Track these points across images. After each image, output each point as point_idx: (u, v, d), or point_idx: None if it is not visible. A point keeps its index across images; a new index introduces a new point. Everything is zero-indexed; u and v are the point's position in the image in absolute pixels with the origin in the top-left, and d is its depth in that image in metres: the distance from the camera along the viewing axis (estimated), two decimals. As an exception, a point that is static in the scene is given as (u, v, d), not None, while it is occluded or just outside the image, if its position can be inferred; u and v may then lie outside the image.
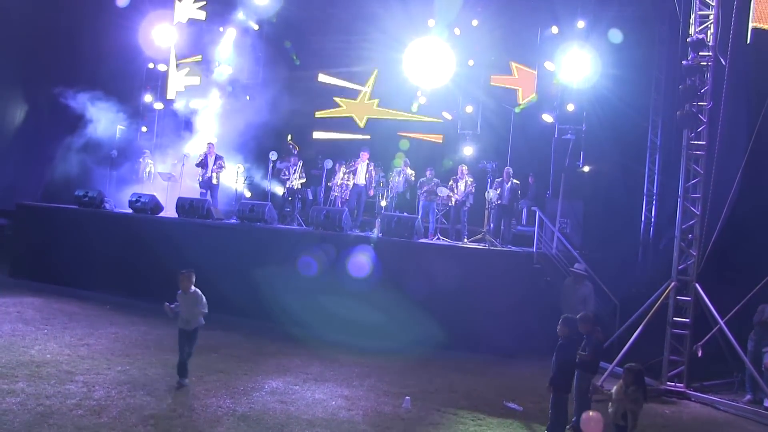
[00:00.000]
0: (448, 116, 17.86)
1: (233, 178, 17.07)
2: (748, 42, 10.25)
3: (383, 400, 8.67)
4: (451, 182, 15.16)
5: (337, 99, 20.36)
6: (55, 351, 9.52)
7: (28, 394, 7.45)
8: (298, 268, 13.14)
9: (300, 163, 16.85)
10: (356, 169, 15.93)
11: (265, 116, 18.52)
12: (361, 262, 12.93)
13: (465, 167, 15.33)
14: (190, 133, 19.55)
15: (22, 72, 18.81)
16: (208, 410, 7.52)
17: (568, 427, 7.76)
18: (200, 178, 16.72)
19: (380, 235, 13.82)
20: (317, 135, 20.39)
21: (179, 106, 19.72)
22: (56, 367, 8.69)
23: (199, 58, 19.71)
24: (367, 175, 15.87)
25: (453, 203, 15.09)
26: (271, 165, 16.86)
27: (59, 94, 18.47)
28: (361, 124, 20.07)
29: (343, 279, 12.85)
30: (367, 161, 15.95)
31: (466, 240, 14.61)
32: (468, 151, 17.22)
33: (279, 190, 17.41)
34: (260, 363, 10.03)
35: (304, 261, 13.16)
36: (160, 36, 19.28)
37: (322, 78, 20.35)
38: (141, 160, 18.15)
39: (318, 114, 20.45)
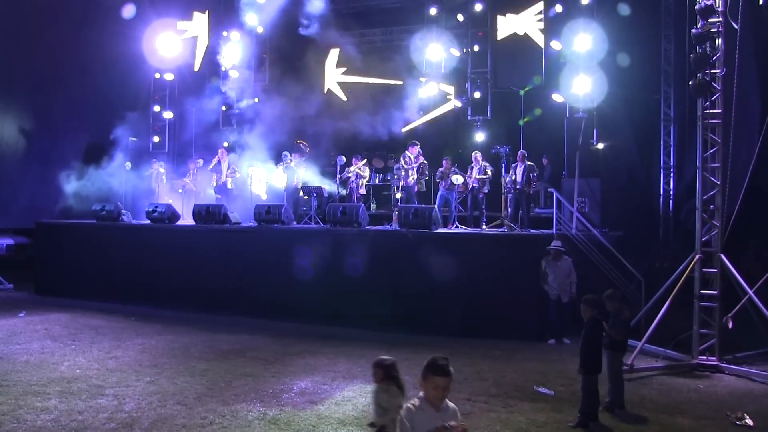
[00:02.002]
0: (457, 103, 17.72)
1: (248, 180, 17.09)
2: (761, 3, 10.02)
3: (413, 393, 8.52)
4: (468, 170, 15.07)
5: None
6: (84, 366, 9.58)
7: (61, 411, 7.49)
8: (315, 266, 13.17)
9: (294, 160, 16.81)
10: (418, 165, 15.61)
11: (275, 116, 18.53)
12: (379, 255, 12.94)
13: (479, 154, 15.21)
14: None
15: (31, 89, 18.85)
16: (239, 415, 7.51)
17: (600, 408, 7.67)
18: (214, 184, 16.78)
19: (398, 227, 13.79)
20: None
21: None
22: (86, 381, 8.73)
23: None
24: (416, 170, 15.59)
25: (468, 190, 15.00)
26: (284, 165, 16.88)
27: (69, 109, 18.59)
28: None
29: (364, 273, 12.85)
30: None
31: (485, 226, 14.51)
32: (480, 137, 17.09)
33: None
34: (287, 364, 10.03)
35: (320, 258, 13.18)
36: (166, 45, 19.31)
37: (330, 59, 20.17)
38: (152, 169, 18.18)
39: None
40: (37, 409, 7.49)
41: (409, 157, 15.62)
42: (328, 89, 20.01)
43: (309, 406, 7.97)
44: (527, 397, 8.52)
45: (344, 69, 19.87)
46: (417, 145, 15.90)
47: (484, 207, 14.97)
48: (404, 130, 18.12)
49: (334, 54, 19.92)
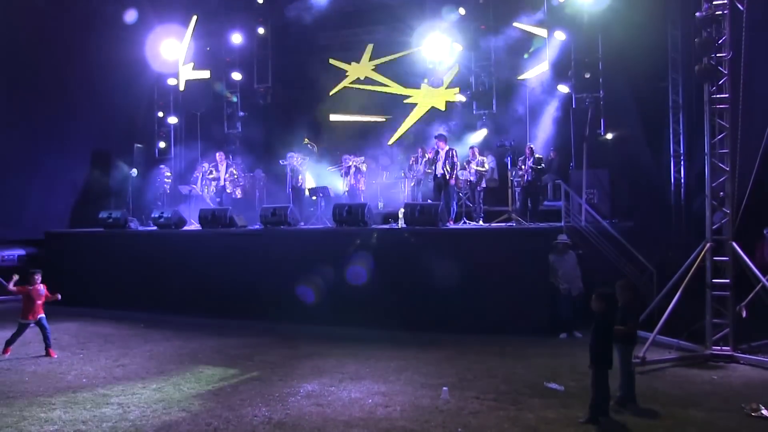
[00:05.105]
0: (462, 98, 17.55)
1: (253, 183, 17.06)
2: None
3: (421, 393, 8.51)
4: (465, 165, 14.93)
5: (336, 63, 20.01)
6: (90, 375, 9.54)
7: (65, 421, 7.43)
8: (323, 267, 13.08)
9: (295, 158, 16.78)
10: (435, 158, 14.70)
11: (279, 118, 18.43)
12: (387, 254, 12.82)
13: (476, 149, 15.07)
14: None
15: (36, 98, 18.82)
16: (244, 421, 7.42)
17: (611, 402, 7.51)
18: (214, 188, 16.74)
19: (404, 225, 13.66)
20: (333, 117, 20.06)
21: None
22: (92, 390, 8.69)
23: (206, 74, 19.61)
24: (448, 164, 14.40)
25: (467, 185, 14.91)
26: (289, 166, 16.82)
27: (74, 118, 18.60)
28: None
29: (372, 273, 12.72)
30: (446, 148, 14.57)
31: (480, 221, 14.39)
32: (483, 132, 16.93)
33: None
34: (295, 367, 9.94)
35: (327, 259, 13.08)
36: (169, 50, 19.30)
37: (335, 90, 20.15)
38: (158, 175, 18.18)
39: (332, 92, 20.10)
40: (41, 421, 7.44)
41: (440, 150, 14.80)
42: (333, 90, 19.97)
43: (315, 409, 7.86)
44: (537, 394, 8.37)
45: (348, 70, 19.85)
46: (443, 138, 14.88)
47: (480, 200, 14.77)
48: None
49: (335, 53, 19.88)
